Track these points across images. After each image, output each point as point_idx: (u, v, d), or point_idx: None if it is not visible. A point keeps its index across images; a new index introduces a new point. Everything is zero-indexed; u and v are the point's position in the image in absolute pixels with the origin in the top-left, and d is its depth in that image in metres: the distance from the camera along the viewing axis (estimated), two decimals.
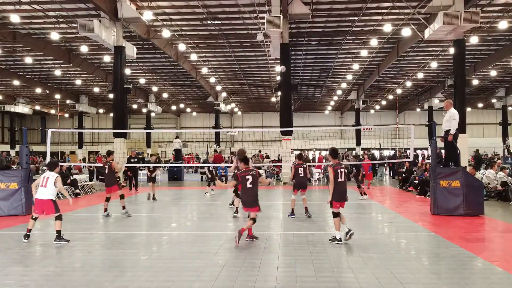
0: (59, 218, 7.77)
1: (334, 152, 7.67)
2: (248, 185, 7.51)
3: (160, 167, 15.87)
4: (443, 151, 12.47)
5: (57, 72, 32.15)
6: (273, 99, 43.92)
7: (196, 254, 6.87)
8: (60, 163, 11.42)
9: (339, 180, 7.36)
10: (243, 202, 7.72)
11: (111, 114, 31.89)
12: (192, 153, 43.53)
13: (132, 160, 17.89)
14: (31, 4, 19.88)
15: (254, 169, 7.71)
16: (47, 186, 7.79)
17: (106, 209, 10.96)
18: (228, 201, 14.33)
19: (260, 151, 29.52)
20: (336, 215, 7.36)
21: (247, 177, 7.53)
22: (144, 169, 17.36)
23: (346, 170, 7.55)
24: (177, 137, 32.32)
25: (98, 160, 28.95)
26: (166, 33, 22.05)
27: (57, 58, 28.20)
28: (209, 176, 16.73)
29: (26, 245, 7.63)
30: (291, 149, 23.65)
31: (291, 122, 22.29)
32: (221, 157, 24.59)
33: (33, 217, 7.97)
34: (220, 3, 20.29)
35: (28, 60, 28.14)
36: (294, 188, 10.65)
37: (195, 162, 36.18)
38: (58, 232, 7.71)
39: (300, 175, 10.50)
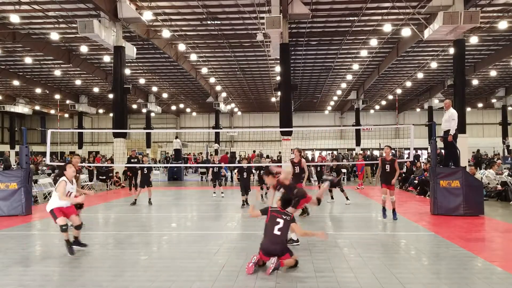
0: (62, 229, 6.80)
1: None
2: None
3: (152, 168, 15.78)
4: (443, 151, 12.46)
5: (57, 72, 32.13)
6: (273, 99, 43.92)
7: (196, 254, 6.87)
8: (60, 163, 11.48)
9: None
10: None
11: (111, 114, 31.90)
12: (190, 153, 43.58)
13: (132, 160, 17.85)
14: (31, 4, 19.87)
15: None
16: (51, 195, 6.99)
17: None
18: (230, 201, 14.35)
19: (254, 151, 29.65)
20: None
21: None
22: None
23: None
24: (176, 137, 32.32)
25: (97, 160, 28.96)
26: (166, 33, 22.04)
27: (57, 58, 28.18)
28: (212, 177, 16.55)
29: (26, 245, 7.63)
30: (291, 149, 23.62)
31: (291, 122, 22.28)
32: (226, 158, 24.54)
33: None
34: (220, 3, 20.29)
35: (28, 60, 28.12)
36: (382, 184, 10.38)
37: (193, 162, 36.15)
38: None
39: (386, 171, 10.17)
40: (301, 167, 10.48)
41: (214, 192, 15.94)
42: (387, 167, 10.09)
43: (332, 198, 13.82)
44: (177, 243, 7.81)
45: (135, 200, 13.79)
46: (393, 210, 10.16)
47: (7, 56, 28.83)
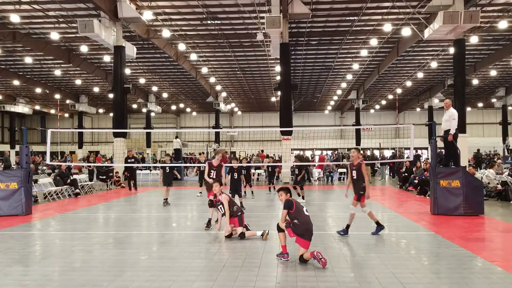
0: None
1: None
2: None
3: (174, 168, 15.12)
4: (443, 151, 12.45)
5: (57, 72, 32.13)
6: (273, 99, 43.91)
7: (196, 254, 6.87)
8: (60, 163, 11.46)
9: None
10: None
11: (111, 114, 31.90)
12: (190, 152, 43.60)
13: (129, 161, 17.87)
14: (31, 4, 19.87)
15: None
16: None
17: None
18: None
19: (262, 151, 29.65)
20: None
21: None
22: (143, 169, 17.27)
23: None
24: (177, 137, 32.32)
25: (98, 160, 28.96)
26: (166, 33, 22.05)
27: (57, 58, 28.19)
28: (198, 176, 16.50)
29: (26, 245, 7.63)
30: (291, 149, 23.64)
31: (291, 122, 22.28)
32: (226, 158, 24.42)
33: None
34: (220, 3, 20.29)
35: (28, 60, 28.13)
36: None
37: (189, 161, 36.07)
38: None
39: (354, 178, 8.31)
40: (219, 171, 9.44)
41: (200, 192, 15.62)
42: (354, 173, 8.27)
43: (299, 195, 13.72)
44: (177, 243, 7.81)
45: (165, 199, 13.17)
46: (376, 223, 8.34)
47: (7, 56, 28.84)
